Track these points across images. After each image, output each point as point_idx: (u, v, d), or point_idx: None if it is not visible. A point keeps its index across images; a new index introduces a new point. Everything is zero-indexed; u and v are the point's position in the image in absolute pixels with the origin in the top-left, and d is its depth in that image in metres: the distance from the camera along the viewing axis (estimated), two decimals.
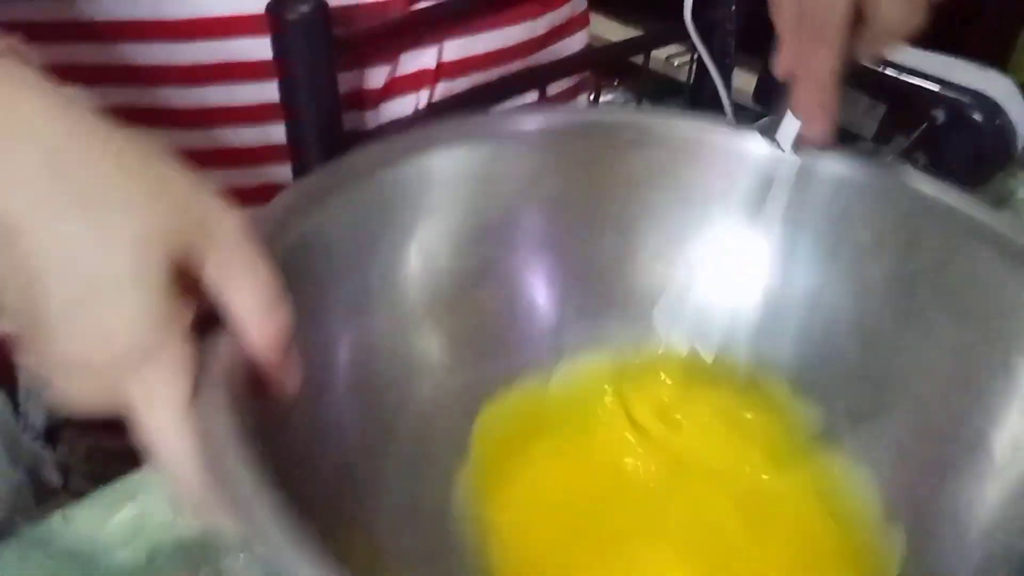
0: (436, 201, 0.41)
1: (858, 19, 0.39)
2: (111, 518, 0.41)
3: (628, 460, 0.43)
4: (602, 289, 0.44)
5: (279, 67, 0.44)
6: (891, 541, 0.38)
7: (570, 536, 0.40)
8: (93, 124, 0.27)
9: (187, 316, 0.28)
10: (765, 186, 0.43)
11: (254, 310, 0.29)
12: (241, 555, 0.40)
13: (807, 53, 0.39)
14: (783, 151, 0.42)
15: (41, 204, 0.26)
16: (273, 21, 0.42)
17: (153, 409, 0.27)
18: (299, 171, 0.46)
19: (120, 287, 0.26)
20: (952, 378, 0.39)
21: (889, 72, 0.59)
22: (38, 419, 0.55)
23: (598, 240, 0.44)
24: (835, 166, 0.43)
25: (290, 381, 0.31)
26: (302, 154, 0.46)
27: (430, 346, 0.41)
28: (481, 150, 0.42)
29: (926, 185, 0.42)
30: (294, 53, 0.43)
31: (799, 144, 0.42)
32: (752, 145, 0.43)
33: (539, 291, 0.44)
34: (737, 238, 0.44)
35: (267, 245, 0.30)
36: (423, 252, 0.40)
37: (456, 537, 0.38)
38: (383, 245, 0.39)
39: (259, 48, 0.44)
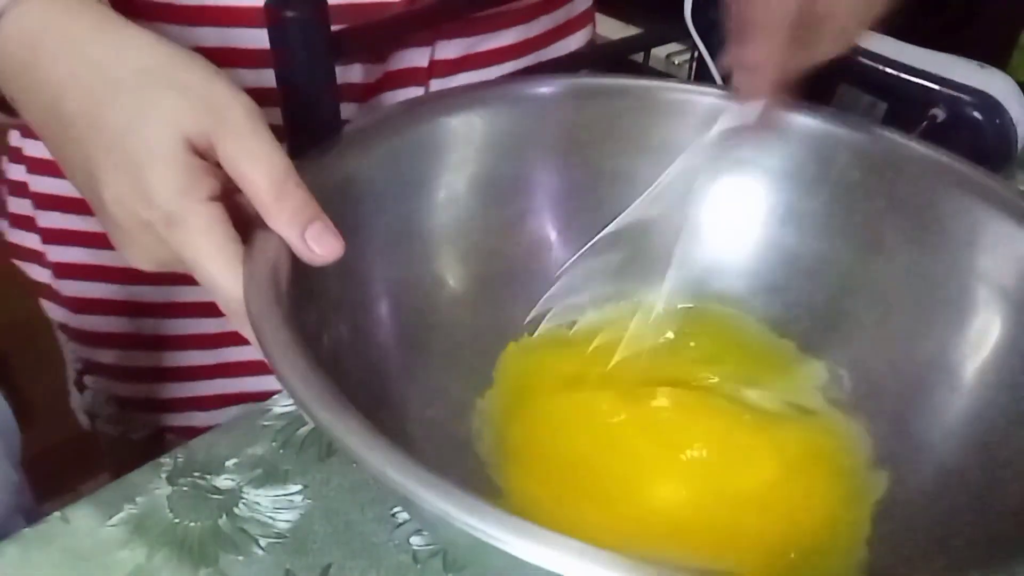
0: (462, 155, 0.45)
1: (816, 17, 0.40)
2: (111, 518, 0.41)
3: (639, 401, 0.45)
4: (616, 244, 0.47)
5: (277, 64, 0.43)
6: (874, 470, 0.41)
7: (579, 461, 0.42)
8: (122, 34, 0.34)
9: (212, 185, 0.33)
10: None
11: (266, 189, 0.33)
12: (240, 556, 0.40)
13: (751, 47, 0.41)
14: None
15: (90, 102, 0.33)
16: (272, 19, 0.42)
17: (200, 257, 0.32)
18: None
19: (149, 157, 0.32)
20: (930, 308, 0.43)
21: (889, 71, 0.59)
22: (72, 366, 0.63)
23: (613, 198, 0.47)
24: (814, 122, 0.46)
25: (320, 256, 0.34)
26: (300, 152, 0.46)
27: (455, 284, 0.45)
28: (505, 110, 0.46)
29: (898, 135, 0.45)
30: (293, 51, 0.43)
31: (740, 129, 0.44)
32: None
33: (556, 243, 0.47)
34: (745, 199, 0.47)
35: (314, 181, 0.34)
36: (450, 200, 0.45)
37: (472, 456, 0.41)
38: (416, 190, 0.43)
39: (261, 37, 0.45)
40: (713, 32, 0.60)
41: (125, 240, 0.34)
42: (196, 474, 0.43)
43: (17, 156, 0.58)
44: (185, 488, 0.43)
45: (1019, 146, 0.57)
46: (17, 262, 0.62)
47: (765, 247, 0.47)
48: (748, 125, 0.44)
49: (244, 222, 0.34)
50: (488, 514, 0.24)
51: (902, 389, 0.42)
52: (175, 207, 0.32)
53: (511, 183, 0.46)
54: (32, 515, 0.48)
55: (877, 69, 0.59)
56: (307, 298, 0.34)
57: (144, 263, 0.35)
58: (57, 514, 0.41)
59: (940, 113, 0.57)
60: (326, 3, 0.42)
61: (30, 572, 0.39)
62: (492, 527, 0.24)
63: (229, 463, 0.44)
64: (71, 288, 0.59)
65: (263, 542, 0.40)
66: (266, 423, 0.46)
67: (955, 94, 0.56)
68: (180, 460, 0.44)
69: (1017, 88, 0.57)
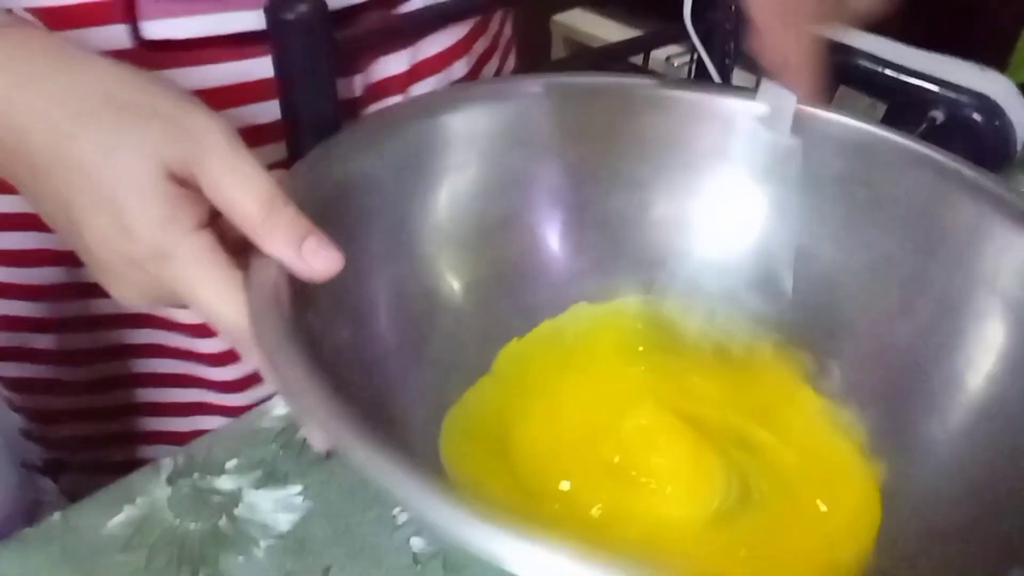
0: (463, 154, 0.45)
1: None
2: (111, 518, 0.41)
3: (637, 399, 0.44)
4: (614, 243, 0.47)
5: (277, 66, 0.44)
6: (873, 469, 0.41)
7: (583, 448, 0.41)
8: (82, 64, 0.33)
9: (197, 214, 0.32)
10: (767, 149, 0.46)
11: (255, 212, 0.32)
12: (240, 558, 0.40)
13: (791, 36, 0.42)
14: (785, 135, 0.44)
15: (56, 138, 0.31)
16: (271, 21, 0.42)
17: (196, 289, 0.31)
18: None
19: (127, 191, 0.31)
20: (930, 315, 0.43)
21: (889, 72, 0.59)
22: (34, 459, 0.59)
23: (611, 197, 0.47)
24: (825, 125, 0.45)
25: (320, 271, 0.33)
26: (300, 154, 0.46)
27: (454, 285, 0.44)
28: (505, 109, 0.46)
29: (895, 134, 0.45)
30: (293, 52, 0.43)
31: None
32: (753, 109, 0.46)
33: (555, 242, 0.47)
34: (739, 196, 0.47)
35: (312, 184, 0.35)
36: (450, 199, 0.44)
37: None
38: (415, 190, 0.43)
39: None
40: (712, 34, 0.60)
41: (114, 281, 0.33)
42: (196, 475, 0.43)
43: None
44: (185, 489, 0.43)
45: (1018, 148, 0.57)
46: None
47: (756, 244, 0.47)
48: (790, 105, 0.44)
49: (233, 247, 0.33)
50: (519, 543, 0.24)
51: (896, 383, 0.42)
52: (162, 240, 0.31)
53: (511, 183, 0.46)
54: (31, 515, 0.48)
55: (877, 71, 0.59)
56: (308, 308, 0.34)
57: (138, 302, 0.33)
58: (57, 515, 0.41)
59: (939, 115, 0.57)
60: (326, 4, 0.42)
61: (30, 572, 0.39)
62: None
63: (229, 464, 0.44)
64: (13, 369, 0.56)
65: (263, 543, 0.40)
66: (266, 425, 0.46)
67: (955, 96, 0.56)
68: (180, 461, 0.44)
69: (1017, 90, 0.57)
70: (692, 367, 0.45)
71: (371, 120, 0.44)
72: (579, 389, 0.44)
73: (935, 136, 0.56)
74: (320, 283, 0.33)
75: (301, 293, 0.33)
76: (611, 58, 0.59)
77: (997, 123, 0.56)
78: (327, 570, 0.40)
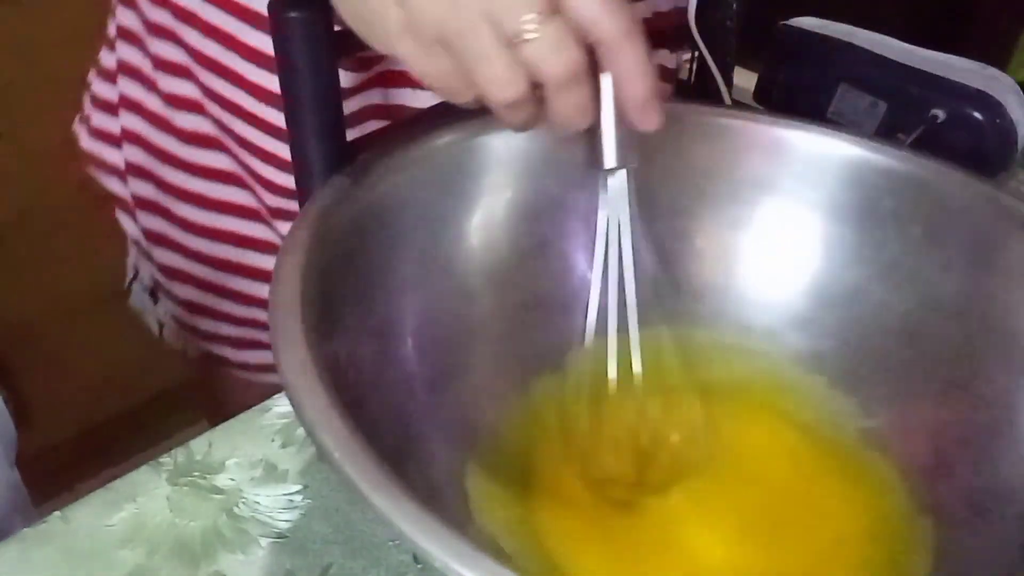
0: (499, 177, 0.44)
1: None
2: (111, 518, 0.41)
3: (670, 435, 0.43)
4: (653, 274, 0.45)
5: (280, 64, 0.43)
6: (921, 532, 0.38)
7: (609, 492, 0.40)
8: None
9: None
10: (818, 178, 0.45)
11: (622, 23, 0.32)
12: (240, 556, 0.40)
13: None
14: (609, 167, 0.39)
15: None
16: (274, 19, 0.42)
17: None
18: (300, 170, 0.46)
19: None
20: (988, 360, 0.40)
21: (890, 71, 0.59)
22: (146, 276, 0.66)
23: (651, 226, 0.45)
24: (879, 160, 0.44)
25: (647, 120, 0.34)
26: (303, 154, 0.46)
27: (486, 311, 0.43)
28: (544, 131, 0.44)
29: (967, 175, 0.43)
30: (295, 51, 0.43)
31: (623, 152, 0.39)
32: (805, 140, 0.45)
33: (591, 270, 0.45)
34: (785, 230, 0.46)
35: (345, 201, 0.34)
36: (484, 225, 0.43)
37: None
38: (449, 212, 0.42)
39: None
40: (714, 33, 0.60)
41: (425, 59, 0.33)
42: (196, 474, 0.43)
43: (108, 75, 0.60)
44: (185, 488, 0.42)
45: (1019, 146, 0.57)
46: (96, 171, 0.64)
47: (802, 280, 0.46)
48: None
49: None
50: None
51: (948, 432, 0.40)
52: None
53: (548, 207, 0.45)
54: (28, 515, 0.48)
55: (878, 69, 0.59)
56: (335, 331, 0.33)
57: (439, 83, 0.34)
58: (57, 514, 0.41)
59: (940, 113, 0.57)
60: (328, 3, 0.42)
61: (30, 572, 0.39)
62: None
63: (229, 463, 0.44)
64: (146, 220, 0.62)
65: (263, 542, 0.40)
66: (266, 423, 0.46)
67: (955, 94, 0.56)
68: (180, 460, 0.44)
69: (1017, 88, 0.57)
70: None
71: (407, 138, 0.43)
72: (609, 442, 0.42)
73: (936, 135, 0.56)
74: (348, 298, 0.33)
75: (327, 316, 0.33)
76: None
77: (998, 121, 0.56)
78: (327, 568, 0.39)
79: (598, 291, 0.41)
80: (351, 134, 0.46)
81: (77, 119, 0.65)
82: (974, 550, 0.37)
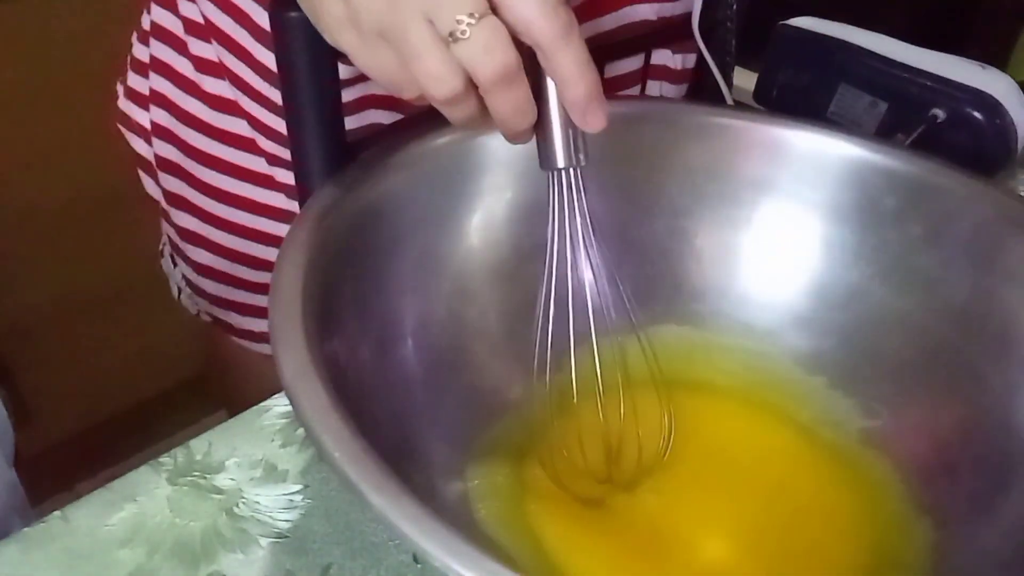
0: (500, 177, 0.43)
1: None
2: (111, 518, 0.41)
3: (668, 436, 0.43)
4: (652, 273, 0.45)
5: (280, 65, 0.43)
6: (921, 532, 0.38)
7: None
8: None
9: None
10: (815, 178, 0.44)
11: (552, 27, 0.32)
12: (240, 556, 0.40)
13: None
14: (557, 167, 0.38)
15: None
16: (273, 20, 0.42)
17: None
18: (300, 170, 0.46)
19: None
20: (989, 358, 0.40)
21: (890, 71, 0.59)
22: (167, 242, 0.68)
23: (651, 225, 0.45)
24: (879, 159, 0.44)
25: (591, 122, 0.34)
26: (303, 154, 0.46)
27: (485, 312, 0.43)
28: None
29: (967, 176, 0.43)
30: (295, 51, 0.43)
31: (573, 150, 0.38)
32: (805, 140, 0.45)
33: (591, 270, 0.45)
34: (785, 229, 0.46)
35: (344, 200, 0.34)
36: (484, 225, 0.43)
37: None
38: (449, 212, 0.42)
39: None
40: (714, 33, 0.60)
41: (367, 51, 0.34)
42: (196, 473, 0.43)
43: (144, 37, 0.61)
44: (185, 488, 0.42)
45: (1019, 146, 0.57)
46: (124, 130, 0.66)
47: (802, 280, 0.45)
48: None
49: None
50: None
51: (949, 432, 0.40)
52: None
53: (547, 206, 0.43)
54: (26, 514, 0.48)
55: (877, 69, 0.59)
56: (334, 332, 0.33)
57: (380, 74, 0.34)
58: (57, 514, 0.41)
59: (940, 113, 0.57)
60: None
61: (30, 572, 0.39)
62: None
63: (229, 462, 0.44)
64: (167, 182, 0.63)
65: (263, 542, 0.40)
66: (266, 423, 0.46)
67: (955, 94, 0.56)
68: (180, 460, 0.44)
69: (1017, 88, 0.57)
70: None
71: (407, 138, 0.43)
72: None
73: (936, 134, 0.56)
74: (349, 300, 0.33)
75: (327, 316, 0.33)
76: (612, 56, 0.59)
77: (998, 121, 0.56)
78: (327, 568, 0.39)
79: (546, 292, 0.40)
80: (350, 123, 0.46)
81: (119, 80, 0.67)
82: (974, 550, 0.37)
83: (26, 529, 0.40)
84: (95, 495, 0.42)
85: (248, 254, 0.63)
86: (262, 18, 0.53)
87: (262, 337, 0.67)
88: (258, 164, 0.59)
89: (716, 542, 0.40)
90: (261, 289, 0.64)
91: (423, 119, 0.41)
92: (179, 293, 0.71)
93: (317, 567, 0.39)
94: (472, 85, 0.34)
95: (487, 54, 0.32)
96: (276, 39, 0.43)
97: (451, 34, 0.32)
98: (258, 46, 0.54)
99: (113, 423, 1.32)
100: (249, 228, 0.61)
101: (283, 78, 0.44)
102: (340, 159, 0.44)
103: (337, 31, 0.35)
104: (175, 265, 0.70)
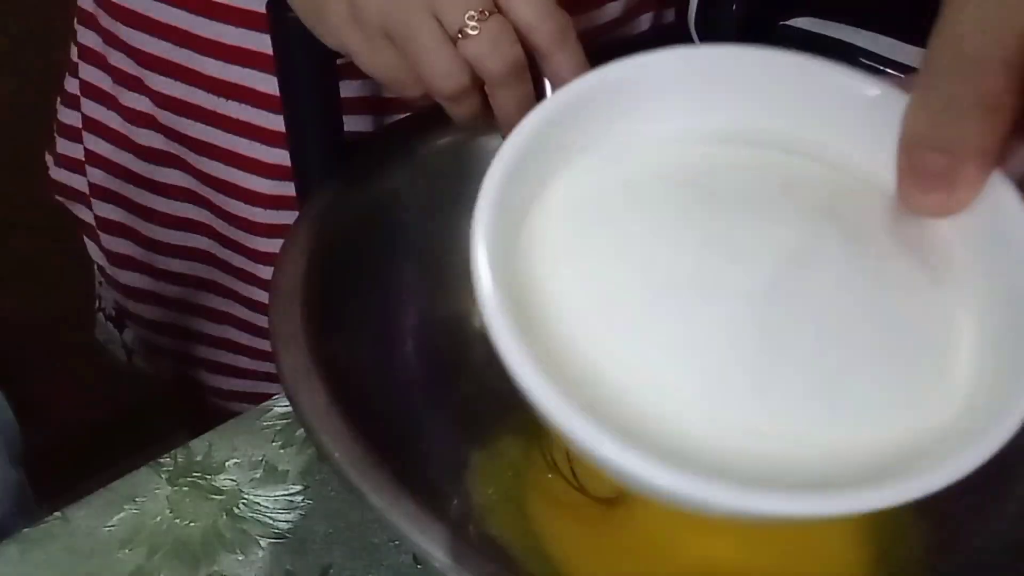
0: None
1: None
2: (111, 518, 0.41)
3: None
4: None
5: (279, 65, 0.43)
6: (920, 532, 0.38)
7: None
8: None
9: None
10: None
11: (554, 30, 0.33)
12: (240, 557, 0.40)
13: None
14: None
15: None
16: (273, 20, 0.42)
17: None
18: (300, 169, 0.46)
19: None
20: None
21: (889, 71, 0.59)
22: (109, 304, 0.66)
23: None
24: None
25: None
26: (302, 155, 0.46)
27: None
28: None
29: None
30: (294, 52, 0.43)
31: None
32: None
33: None
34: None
35: (343, 198, 0.34)
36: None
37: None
38: (450, 210, 0.41)
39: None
40: (713, 33, 0.60)
41: (368, 49, 0.34)
42: (196, 474, 0.43)
43: (72, 101, 0.59)
44: (185, 488, 0.42)
45: None
46: (61, 199, 0.64)
47: None
48: None
49: None
50: None
51: None
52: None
53: None
54: (31, 514, 0.48)
55: (877, 68, 0.59)
56: (334, 333, 0.34)
57: (381, 73, 0.35)
58: (57, 514, 0.41)
59: None
60: None
61: (30, 572, 0.39)
62: None
63: (229, 463, 0.44)
64: (111, 243, 0.61)
65: (263, 542, 0.40)
66: (266, 423, 0.46)
67: None
68: (180, 460, 0.44)
69: None
70: None
71: (407, 138, 0.42)
72: None
73: None
74: (350, 297, 0.34)
75: (327, 316, 0.33)
76: (612, 55, 0.59)
77: None
78: (327, 569, 0.39)
79: None
80: (349, 120, 0.46)
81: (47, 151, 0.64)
82: (974, 550, 0.37)
83: (26, 529, 0.40)
84: (95, 495, 0.42)
85: (206, 306, 0.61)
86: (209, 30, 0.50)
87: (231, 396, 0.65)
88: (200, 214, 0.57)
89: (716, 541, 0.40)
90: (225, 345, 0.62)
91: (423, 119, 0.41)
92: (129, 356, 0.68)
93: (317, 568, 0.39)
94: (476, 82, 0.34)
95: (496, 50, 0.33)
96: (275, 39, 0.43)
97: (460, 31, 0.32)
98: (207, 60, 0.51)
99: (113, 423, 1.32)
100: (204, 279, 0.59)
101: (282, 78, 0.44)
102: (339, 159, 0.44)
103: (343, 32, 0.35)
104: (121, 331, 0.67)
